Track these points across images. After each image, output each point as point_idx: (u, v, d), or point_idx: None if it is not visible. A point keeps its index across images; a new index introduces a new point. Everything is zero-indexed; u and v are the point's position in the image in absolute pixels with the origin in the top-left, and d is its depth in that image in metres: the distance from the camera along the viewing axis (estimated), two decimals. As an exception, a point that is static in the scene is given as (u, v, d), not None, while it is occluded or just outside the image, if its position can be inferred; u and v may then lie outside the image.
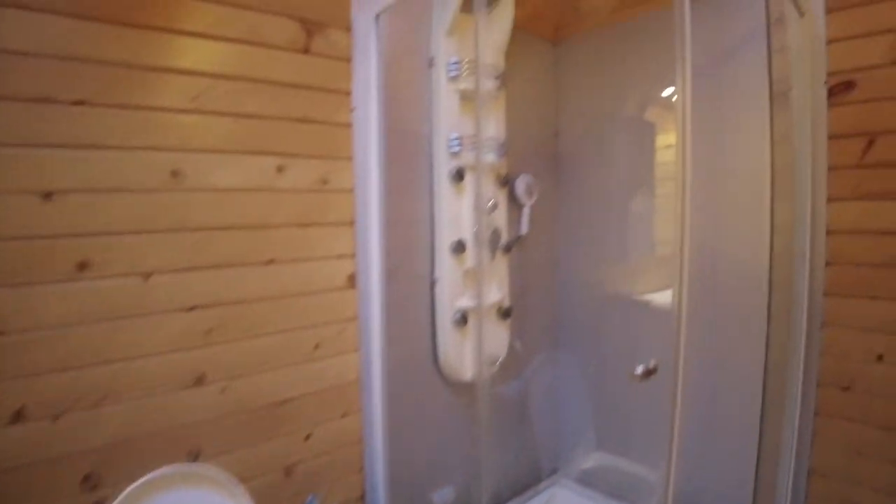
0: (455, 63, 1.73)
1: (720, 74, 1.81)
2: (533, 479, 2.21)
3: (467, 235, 1.76)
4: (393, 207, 1.67)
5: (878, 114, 1.55)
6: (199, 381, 1.41)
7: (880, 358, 1.52)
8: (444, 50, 1.74)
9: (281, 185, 1.53)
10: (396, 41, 1.69)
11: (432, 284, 1.77)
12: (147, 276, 1.32)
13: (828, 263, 1.63)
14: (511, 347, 1.95)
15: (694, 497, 1.78)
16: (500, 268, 1.90)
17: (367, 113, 1.63)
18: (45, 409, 1.19)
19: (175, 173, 1.36)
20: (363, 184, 1.65)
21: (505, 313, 1.88)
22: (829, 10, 1.63)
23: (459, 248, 1.73)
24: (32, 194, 1.16)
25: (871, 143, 1.57)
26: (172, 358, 1.37)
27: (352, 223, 1.67)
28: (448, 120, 1.74)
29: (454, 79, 1.74)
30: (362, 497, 1.76)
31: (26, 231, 1.16)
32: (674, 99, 1.01)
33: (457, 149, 1.72)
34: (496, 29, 1.85)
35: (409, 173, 1.73)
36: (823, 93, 1.65)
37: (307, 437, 1.62)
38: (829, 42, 1.63)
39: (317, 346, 1.62)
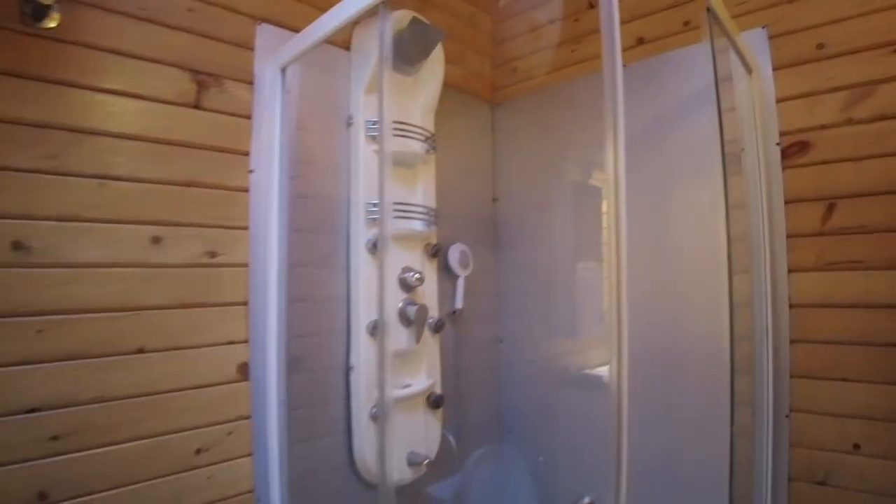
0: (375, 123, 1.55)
1: (668, 138, 1.68)
2: None
3: (390, 314, 1.53)
4: (299, 284, 1.45)
5: (836, 176, 1.44)
6: (41, 499, 1.12)
7: (857, 447, 1.39)
8: (364, 108, 1.57)
9: (157, 258, 1.30)
10: (310, 97, 1.52)
11: (347, 372, 1.52)
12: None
13: (793, 341, 1.53)
14: (444, 442, 1.69)
15: None
16: (429, 350, 1.66)
17: (268, 176, 1.43)
18: None
19: (17, 245, 1.12)
20: (261, 257, 1.43)
21: (435, 402, 1.63)
22: (777, 67, 1.53)
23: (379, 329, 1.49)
24: None
25: (831, 208, 1.45)
26: (3, 473, 1.09)
27: (245, 303, 1.43)
28: (367, 184, 1.54)
29: (375, 139, 1.56)
30: None
31: None
32: (607, 167, 0.83)
33: (377, 216, 1.52)
34: (424, 88, 1.70)
35: (321, 244, 1.52)
36: (777, 154, 1.52)
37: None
38: (780, 100, 1.54)
39: (199, 452, 1.34)
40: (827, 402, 1.44)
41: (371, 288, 1.52)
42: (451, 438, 1.72)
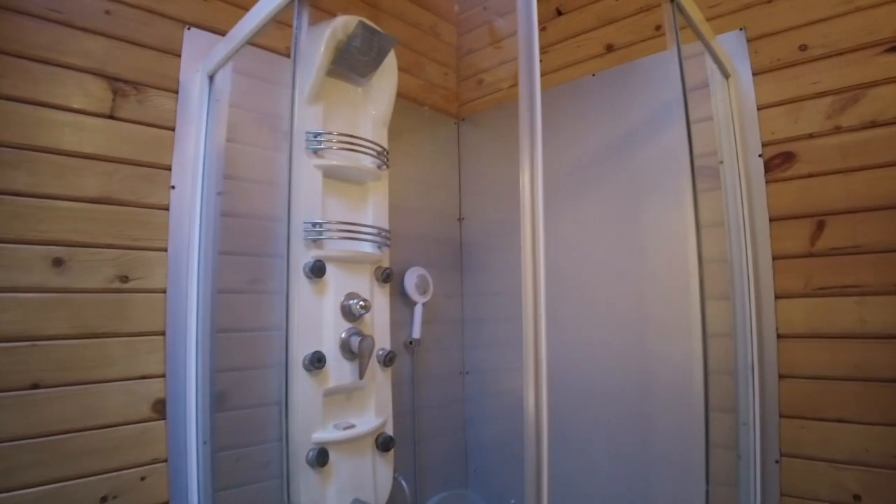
0: (317, 135, 1.42)
1: (640, 150, 1.54)
2: None
3: (330, 346, 1.38)
4: (226, 312, 1.31)
5: (824, 190, 1.29)
6: None
7: (857, 499, 1.23)
8: (306, 120, 1.44)
9: (58, 283, 1.16)
10: (243, 107, 1.41)
11: (283, 410, 1.37)
12: None
13: (781, 376, 1.35)
14: (397, 488, 1.52)
15: None
16: (378, 385, 1.49)
17: (191, 192, 1.29)
18: None
19: None
20: (182, 282, 1.29)
21: (384, 445, 1.46)
22: (758, 72, 1.40)
23: (317, 362, 1.33)
24: None
25: (820, 226, 1.30)
26: None
27: (163, 333, 1.28)
28: (308, 201, 1.40)
29: (317, 153, 1.42)
30: None
31: None
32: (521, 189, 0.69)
33: (317, 237, 1.38)
34: (376, 100, 1.56)
35: (253, 267, 1.38)
36: (759, 167, 1.38)
37: None
38: (761, 108, 1.41)
39: (105, 500, 1.19)
40: (821, 447, 1.28)
41: (310, 316, 1.37)
42: (403, 483, 1.54)
